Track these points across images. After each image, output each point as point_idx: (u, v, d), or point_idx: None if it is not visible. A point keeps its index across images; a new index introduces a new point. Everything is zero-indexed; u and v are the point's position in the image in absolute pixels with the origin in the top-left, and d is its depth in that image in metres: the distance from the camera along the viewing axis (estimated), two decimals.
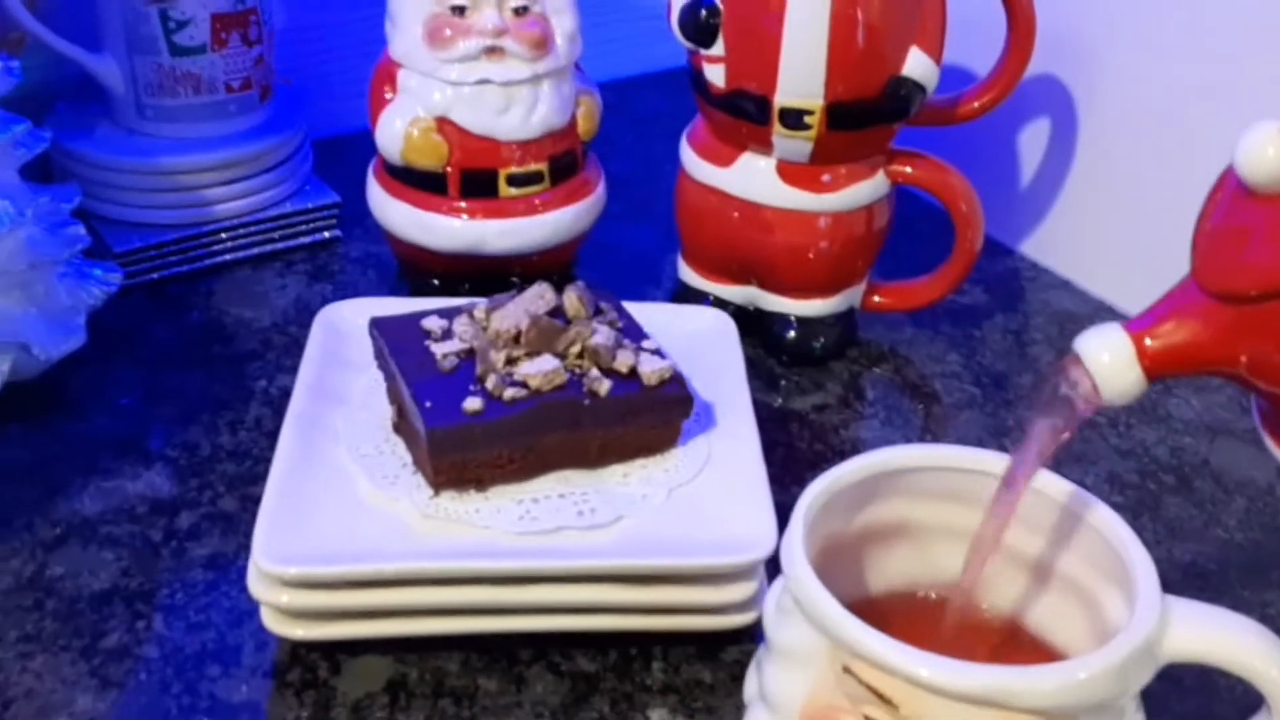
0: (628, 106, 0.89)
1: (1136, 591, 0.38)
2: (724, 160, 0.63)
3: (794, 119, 0.59)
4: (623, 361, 0.50)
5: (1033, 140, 0.74)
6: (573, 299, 0.52)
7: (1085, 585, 0.42)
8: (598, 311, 0.53)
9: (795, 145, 0.60)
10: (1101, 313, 0.71)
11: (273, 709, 0.45)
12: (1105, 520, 0.40)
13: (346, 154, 0.76)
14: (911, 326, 0.69)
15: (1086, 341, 0.39)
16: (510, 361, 0.49)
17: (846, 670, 0.37)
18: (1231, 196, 0.36)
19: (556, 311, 0.52)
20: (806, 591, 0.38)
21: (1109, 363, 0.39)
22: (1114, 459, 0.60)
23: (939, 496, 0.44)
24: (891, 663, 0.36)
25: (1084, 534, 0.41)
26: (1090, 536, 0.41)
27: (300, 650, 0.47)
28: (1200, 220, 0.37)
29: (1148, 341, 0.38)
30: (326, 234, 0.73)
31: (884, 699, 0.37)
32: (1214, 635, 0.38)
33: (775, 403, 0.63)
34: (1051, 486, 0.42)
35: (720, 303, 0.66)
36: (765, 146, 0.61)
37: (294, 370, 0.54)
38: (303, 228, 0.72)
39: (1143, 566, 0.39)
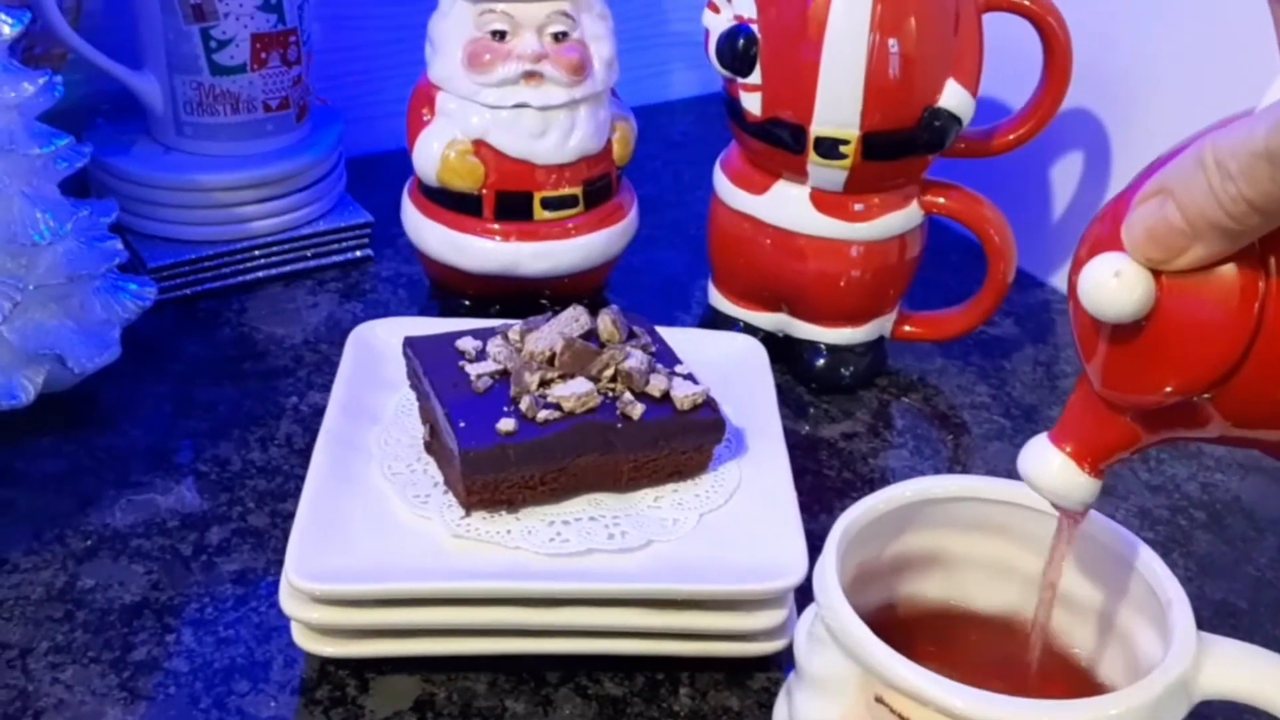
0: (660, 131, 0.90)
1: (1172, 628, 0.38)
2: (758, 188, 0.63)
3: (829, 148, 0.59)
4: (656, 385, 0.50)
5: (1067, 173, 0.74)
6: (607, 322, 0.52)
7: (1120, 620, 0.42)
8: (631, 335, 0.53)
9: (830, 174, 0.60)
10: None
11: None
12: (1141, 556, 0.40)
13: (380, 173, 0.77)
14: (941, 357, 0.69)
15: (1025, 465, 0.39)
16: (544, 383, 0.50)
17: (879, 700, 0.37)
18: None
19: (590, 335, 0.52)
20: (840, 620, 0.38)
21: (1052, 482, 0.38)
22: (1144, 494, 0.59)
23: (971, 527, 0.44)
24: (925, 694, 0.36)
25: (1119, 569, 0.41)
26: (1125, 572, 0.41)
27: (329, 667, 0.48)
28: (1078, 329, 0.35)
29: (1070, 449, 0.37)
30: (358, 253, 0.73)
31: None
32: (1248, 673, 0.38)
33: (804, 430, 0.63)
34: (1089, 522, 0.42)
35: (750, 329, 0.66)
36: (800, 175, 0.61)
37: (325, 387, 0.54)
38: (335, 246, 0.73)
39: (1178, 603, 0.38)
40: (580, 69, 0.61)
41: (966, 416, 0.65)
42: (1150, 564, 0.40)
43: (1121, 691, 0.36)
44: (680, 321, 0.69)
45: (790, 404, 0.64)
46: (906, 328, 0.67)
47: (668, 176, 0.85)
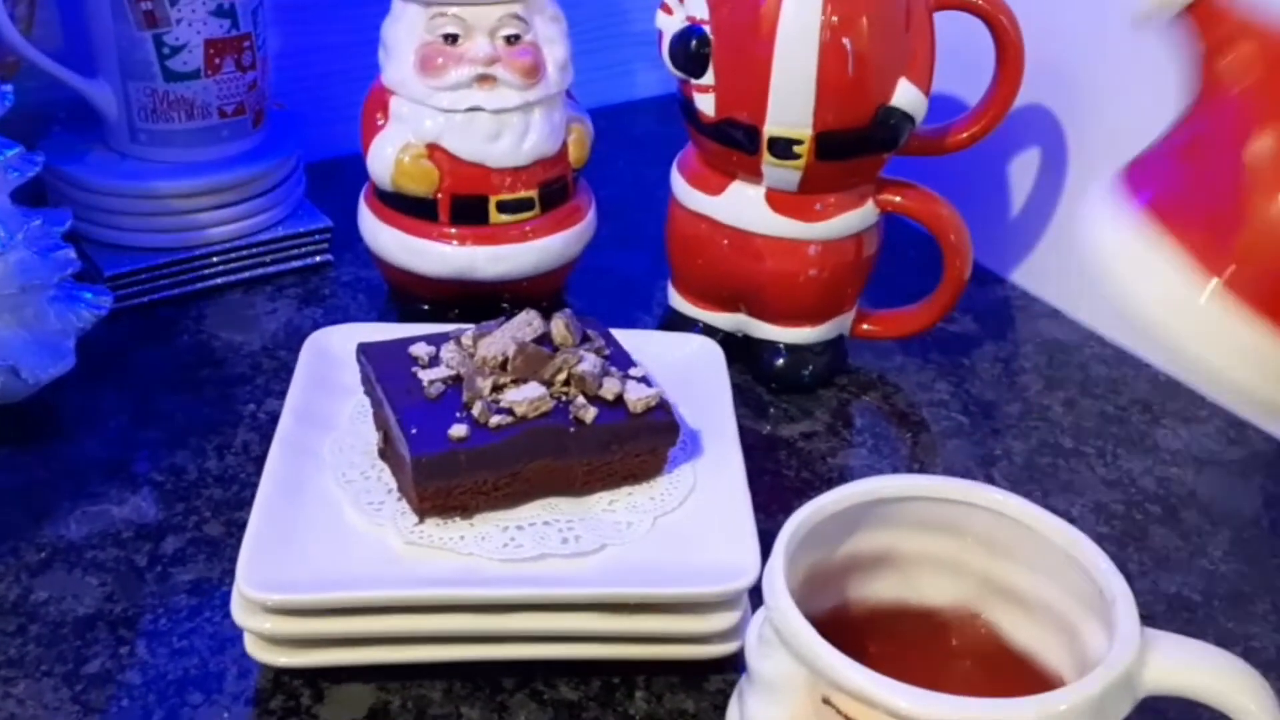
0: (619, 132, 0.89)
1: (1116, 624, 0.38)
2: (714, 188, 0.63)
3: (783, 148, 0.59)
4: (609, 389, 0.50)
5: (1023, 169, 0.74)
6: (560, 326, 0.52)
7: (1066, 616, 0.42)
8: (585, 339, 0.53)
9: (784, 174, 0.60)
10: (1090, 342, 0.71)
11: None
12: (1086, 552, 0.40)
13: (339, 177, 0.77)
14: (901, 354, 0.69)
15: None
16: (497, 388, 0.50)
17: (826, 701, 0.37)
18: None
19: (544, 339, 0.52)
20: (787, 622, 0.38)
21: None
22: (1101, 489, 0.60)
23: (923, 526, 0.44)
24: (870, 695, 0.36)
25: (1065, 565, 0.41)
26: (1071, 568, 0.41)
27: (283, 677, 0.47)
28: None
29: None
30: (318, 258, 0.73)
31: None
32: (1193, 669, 0.38)
33: (763, 430, 0.63)
34: (1035, 518, 0.42)
35: (709, 330, 0.66)
36: (755, 175, 0.61)
37: (283, 394, 0.54)
38: (294, 251, 0.72)
39: (1122, 599, 0.39)
40: (533, 72, 0.61)
41: (926, 414, 0.65)
42: (1096, 561, 0.40)
43: (1065, 688, 0.36)
44: (641, 323, 0.69)
45: (750, 404, 0.64)
46: (865, 326, 0.67)
47: (629, 177, 0.84)
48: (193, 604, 0.50)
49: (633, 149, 0.88)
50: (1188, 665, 0.38)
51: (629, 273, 0.74)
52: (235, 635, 0.48)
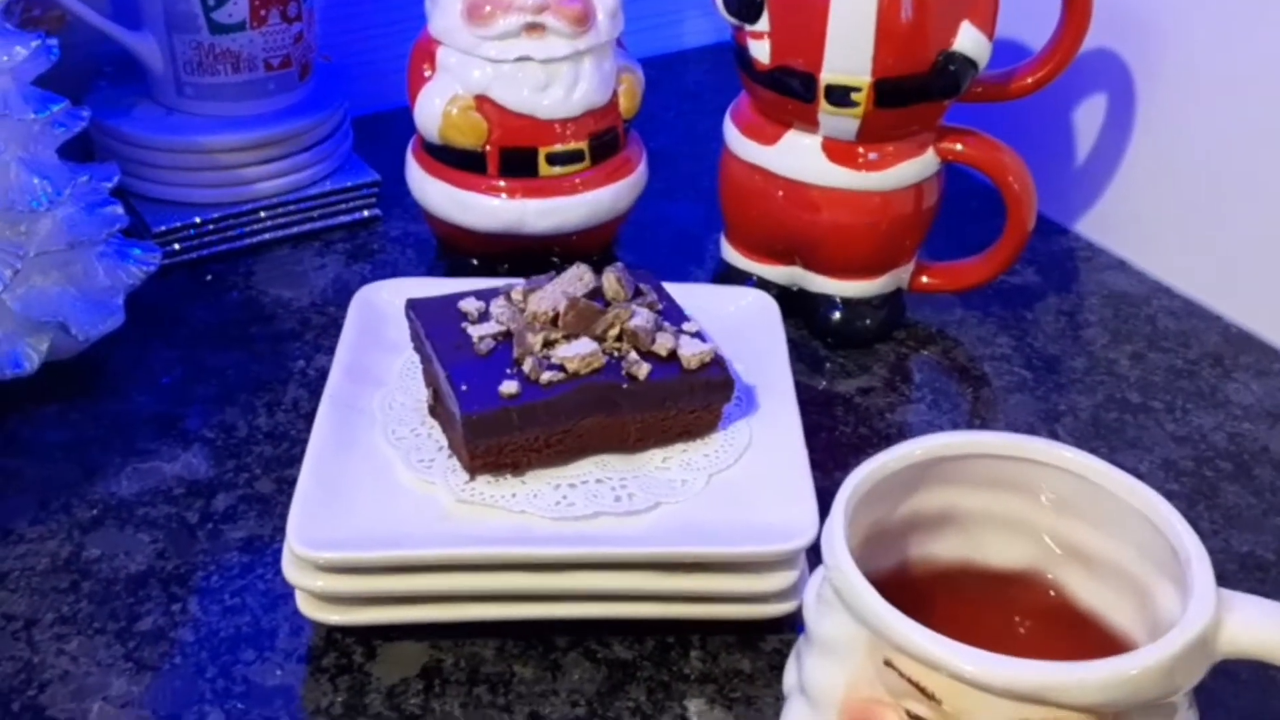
0: (672, 82, 0.88)
1: (1191, 585, 0.37)
2: (769, 138, 0.61)
3: (840, 96, 0.57)
4: (662, 344, 0.49)
5: (1089, 116, 0.72)
6: (611, 280, 0.51)
7: (1138, 576, 0.40)
8: (637, 293, 0.52)
9: (842, 123, 0.59)
10: (1158, 294, 0.69)
11: (307, 694, 0.45)
12: (1159, 510, 0.39)
13: (387, 131, 0.76)
14: (961, 308, 0.67)
15: None
16: (548, 344, 0.49)
17: (888, 663, 0.36)
18: None
19: (595, 293, 0.51)
20: (847, 583, 0.37)
21: None
22: (1170, 446, 0.58)
23: (985, 484, 0.43)
24: (934, 657, 0.35)
25: (1137, 524, 0.40)
26: (1143, 527, 0.39)
27: (335, 635, 0.47)
28: None
29: None
30: (366, 213, 0.72)
31: (926, 694, 0.35)
32: (1270, 631, 0.36)
33: (819, 385, 0.62)
34: (1105, 475, 0.40)
35: (764, 283, 0.65)
36: (811, 124, 0.60)
37: (332, 350, 0.53)
38: (342, 206, 0.72)
39: (1197, 559, 0.37)
40: (583, 20, 0.60)
41: (987, 369, 0.63)
42: (1170, 519, 0.39)
43: (1139, 651, 0.35)
44: (693, 276, 0.68)
45: (805, 359, 0.63)
46: (924, 279, 0.65)
47: (681, 128, 0.83)
48: (244, 561, 0.50)
49: (685, 99, 0.87)
50: (1266, 628, 0.36)
51: (681, 225, 0.73)
52: (287, 593, 0.47)
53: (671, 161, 0.77)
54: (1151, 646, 0.35)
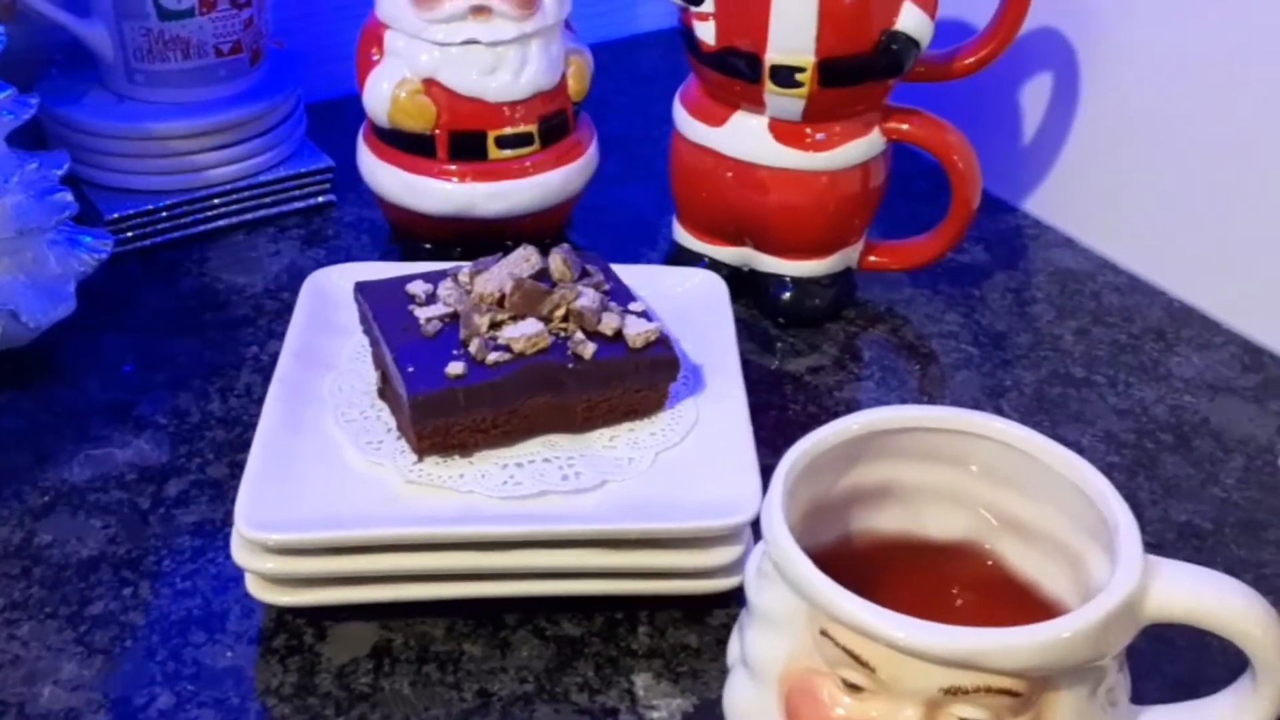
0: (626, 66, 0.88)
1: (1118, 551, 0.37)
2: (716, 119, 0.62)
3: (785, 76, 0.58)
4: (608, 324, 0.50)
5: (1034, 95, 0.73)
6: (558, 261, 0.51)
7: (1072, 545, 0.41)
8: (584, 274, 0.52)
9: (787, 103, 0.59)
10: (1103, 270, 0.70)
11: (257, 675, 0.45)
12: (1090, 480, 0.40)
13: (341, 117, 0.76)
14: (910, 286, 0.68)
15: None
16: (494, 325, 0.49)
17: (824, 633, 0.37)
18: None
19: (542, 274, 0.51)
20: (784, 555, 0.38)
21: None
22: (1111, 419, 0.59)
23: (925, 458, 0.43)
24: (867, 625, 0.35)
25: (1070, 494, 0.41)
26: (1075, 496, 0.40)
27: (286, 616, 0.47)
28: None
29: None
30: (320, 199, 0.72)
31: (861, 662, 0.36)
32: (1196, 595, 0.37)
33: (770, 365, 0.62)
34: (1036, 446, 0.41)
35: (715, 264, 0.65)
36: (757, 105, 0.60)
37: (285, 336, 0.53)
38: (295, 192, 0.72)
39: (1125, 526, 0.38)
40: (530, 3, 0.60)
41: (935, 346, 0.64)
42: (1100, 488, 0.39)
43: (1066, 616, 0.36)
44: (647, 259, 0.69)
45: (756, 339, 0.64)
46: (872, 258, 0.66)
47: (635, 113, 0.83)
48: (196, 545, 0.50)
49: (639, 84, 0.87)
50: (1191, 591, 0.37)
51: (635, 209, 0.74)
52: (238, 576, 0.48)
53: (625, 146, 0.77)
54: (1079, 611, 0.36)
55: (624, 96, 0.84)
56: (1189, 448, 0.57)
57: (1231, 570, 0.38)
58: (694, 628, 0.48)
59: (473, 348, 0.48)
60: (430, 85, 0.61)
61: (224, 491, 0.53)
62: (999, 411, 0.58)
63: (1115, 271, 0.69)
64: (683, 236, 0.67)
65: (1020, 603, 0.43)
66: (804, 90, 0.58)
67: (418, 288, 0.51)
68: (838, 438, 0.42)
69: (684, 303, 0.56)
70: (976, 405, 0.59)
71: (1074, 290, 0.68)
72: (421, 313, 0.50)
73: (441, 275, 0.52)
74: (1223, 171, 0.64)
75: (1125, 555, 0.37)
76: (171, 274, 0.67)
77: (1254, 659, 0.38)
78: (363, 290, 0.52)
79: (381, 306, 0.51)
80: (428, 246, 0.66)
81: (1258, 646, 0.37)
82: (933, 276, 0.68)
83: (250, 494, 0.45)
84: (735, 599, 0.48)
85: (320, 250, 0.69)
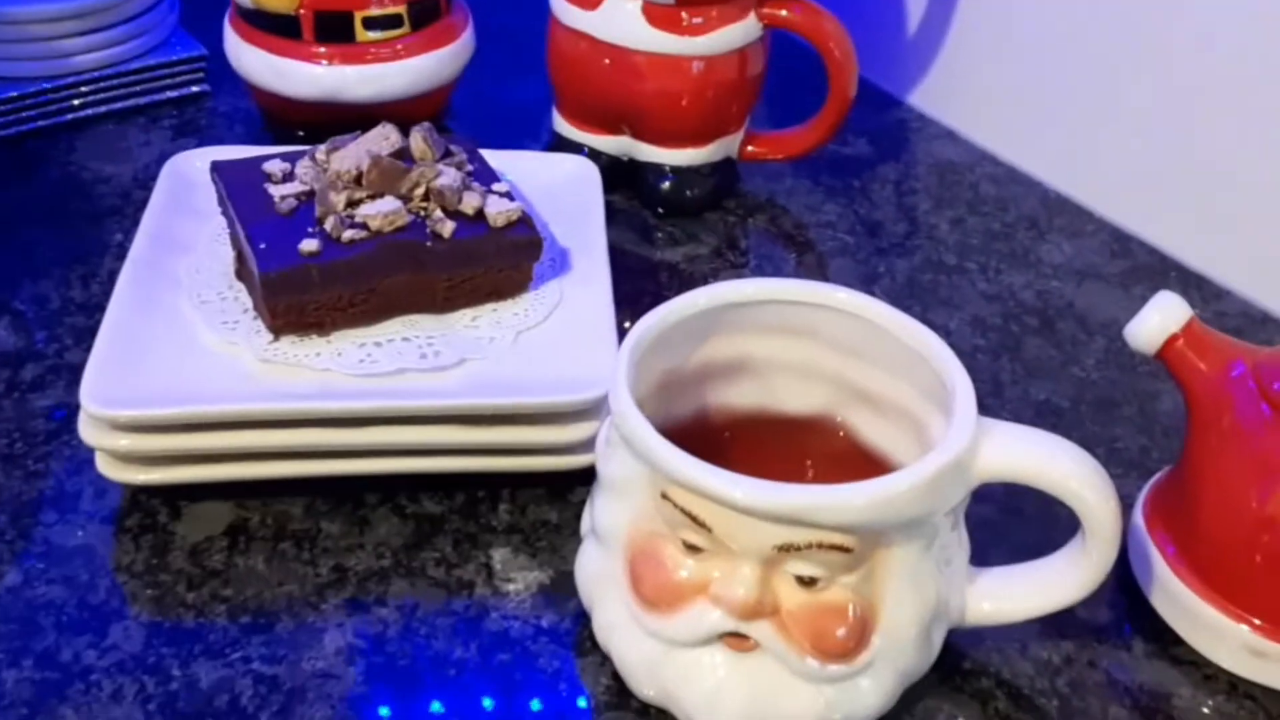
0: None
1: (953, 412, 0.38)
2: (590, 4, 0.61)
3: None
4: (469, 203, 0.49)
5: None
6: (418, 140, 0.51)
7: (917, 413, 0.42)
8: (447, 154, 0.51)
9: None
10: (983, 161, 0.70)
11: (110, 553, 0.45)
12: (931, 347, 0.40)
13: (218, 5, 0.74)
14: (792, 178, 0.68)
15: None
16: (351, 203, 0.48)
17: (664, 496, 0.37)
18: None
19: (403, 154, 0.50)
20: (626, 422, 0.38)
21: None
22: (980, 303, 0.59)
23: (777, 331, 0.44)
24: (702, 485, 0.36)
25: (914, 363, 0.41)
26: (919, 365, 0.41)
27: (141, 497, 0.47)
28: None
29: None
30: (194, 88, 0.71)
31: (698, 522, 0.37)
32: (1026, 454, 0.38)
33: (649, 254, 0.62)
34: (881, 315, 0.42)
35: (595, 154, 0.64)
36: None
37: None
38: (167, 81, 0.70)
39: (961, 389, 0.38)
40: None
41: (813, 235, 0.64)
42: (940, 353, 0.40)
43: (898, 473, 0.36)
44: (527, 149, 0.68)
45: (636, 228, 0.63)
46: (751, 148, 0.66)
47: (525, 5, 0.81)
48: (50, 429, 0.50)
49: None
50: (1022, 451, 0.38)
51: (519, 102, 0.72)
52: (92, 458, 0.47)
53: (513, 38, 0.76)
54: (910, 468, 0.36)
55: None
56: (1053, 330, 0.58)
57: (1085, 444, 0.39)
58: (555, 504, 0.48)
59: (328, 225, 0.47)
60: None
61: (80, 376, 0.52)
62: (870, 294, 0.58)
63: (994, 163, 0.70)
64: (562, 126, 0.66)
65: (871, 472, 0.44)
66: None
67: (274, 166, 0.50)
68: (685, 310, 0.42)
69: (556, 188, 0.56)
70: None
71: (953, 181, 0.69)
72: (277, 190, 0.49)
73: (300, 155, 0.51)
74: (1100, 65, 0.65)
75: (959, 415, 0.38)
76: (37, 163, 0.65)
77: (1084, 519, 0.39)
78: (219, 169, 0.51)
79: (237, 185, 0.50)
80: (301, 135, 0.64)
81: (1086, 506, 0.38)
82: (815, 168, 0.68)
83: (97, 370, 0.44)
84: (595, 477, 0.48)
85: (192, 140, 0.67)
